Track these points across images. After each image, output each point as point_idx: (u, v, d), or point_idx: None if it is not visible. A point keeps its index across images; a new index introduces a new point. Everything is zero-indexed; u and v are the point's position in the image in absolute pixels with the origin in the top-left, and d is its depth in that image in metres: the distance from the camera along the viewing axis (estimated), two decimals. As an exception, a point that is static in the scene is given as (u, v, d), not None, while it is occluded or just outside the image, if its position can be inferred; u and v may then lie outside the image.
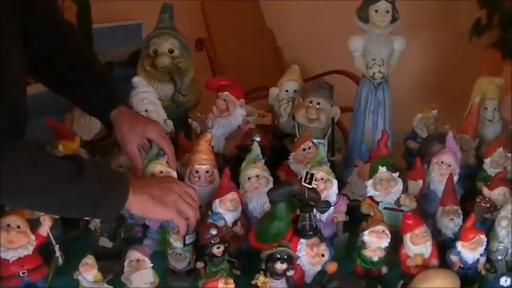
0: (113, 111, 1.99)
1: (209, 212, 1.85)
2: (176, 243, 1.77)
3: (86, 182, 1.63)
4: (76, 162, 1.65)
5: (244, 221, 1.87)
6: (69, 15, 3.15)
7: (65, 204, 1.65)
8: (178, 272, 1.80)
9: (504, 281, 1.73)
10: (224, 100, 2.16)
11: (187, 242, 1.77)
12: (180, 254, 1.78)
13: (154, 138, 1.94)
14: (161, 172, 1.88)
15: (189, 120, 2.19)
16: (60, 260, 1.78)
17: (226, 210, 1.83)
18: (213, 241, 1.71)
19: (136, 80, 2.17)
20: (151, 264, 1.72)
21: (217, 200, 1.83)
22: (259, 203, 1.88)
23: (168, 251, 1.80)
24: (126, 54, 2.88)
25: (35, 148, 1.67)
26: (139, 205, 1.71)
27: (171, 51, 2.29)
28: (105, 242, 1.83)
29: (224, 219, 1.83)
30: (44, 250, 1.76)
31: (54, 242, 1.75)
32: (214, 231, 1.71)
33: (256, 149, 1.93)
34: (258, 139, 1.97)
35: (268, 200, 1.76)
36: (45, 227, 1.73)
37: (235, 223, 1.84)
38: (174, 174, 1.90)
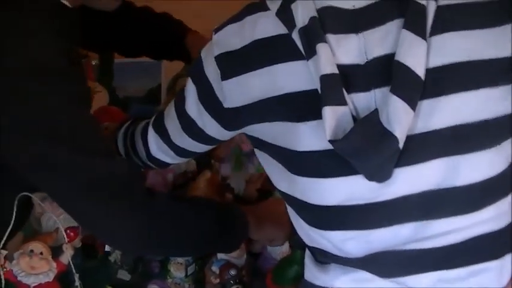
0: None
1: (213, 259, 1.87)
2: (176, 273, 1.79)
3: (223, 222, 1.69)
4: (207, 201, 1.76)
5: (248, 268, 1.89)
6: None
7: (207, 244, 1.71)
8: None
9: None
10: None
11: (188, 273, 1.80)
12: (179, 284, 1.81)
13: None
14: None
15: (212, 161, 2.21)
16: (80, 289, 1.80)
17: (231, 257, 1.85)
18: (232, 281, 1.73)
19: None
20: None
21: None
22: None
23: (167, 280, 1.82)
24: (144, 90, 2.91)
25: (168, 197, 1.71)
26: (257, 231, 1.77)
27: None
28: (124, 275, 1.86)
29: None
30: (62, 278, 1.78)
31: (74, 271, 1.77)
32: (233, 272, 1.74)
33: (277, 193, 1.95)
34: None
35: (289, 244, 1.79)
36: (67, 255, 1.74)
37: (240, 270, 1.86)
38: None
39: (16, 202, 1.63)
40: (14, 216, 1.63)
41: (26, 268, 1.70)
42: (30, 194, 1.68)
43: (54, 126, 1.46)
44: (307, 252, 1.44)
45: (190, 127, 1.53)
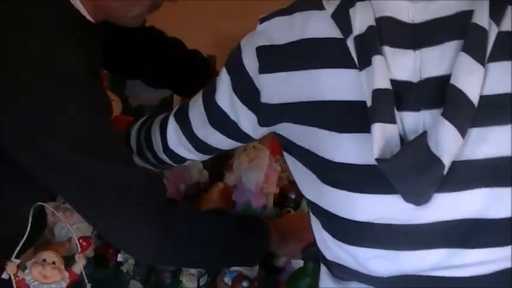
0: None
1: (225, 270, 1.87)
2: (189, 284, 1.79)
3: (245, 232, 1.71)
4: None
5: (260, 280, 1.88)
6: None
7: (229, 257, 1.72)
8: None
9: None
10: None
11: (200, 284, 1.81)
12: (192, 295, 1.81)
13: None
14: None
15: (225, 172, 2.20)
16: (92, 299, 1.80)
17: (243, 268, 1.84)
18: (244, 293, 1.73)
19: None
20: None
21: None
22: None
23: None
24: (157, 99, 2.91)
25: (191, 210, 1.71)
26: (280, 245, 1.78)
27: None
28: (136, 285, 1.86)
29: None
30: (74, 288, 1.79)
31: (86, 281, 1.77)
32: (246, 284, 1.74)
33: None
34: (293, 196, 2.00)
35: (302, 256, 1.79)
36: (80, 265, 1.74)
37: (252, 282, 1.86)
38: None
39: (31, 212, 1.63)
40: (29, 226, 1.63)
41: (39, 277, 1.70)
42: (43, 204, 1.68)
43: (54, 126, 1.44)
44: (323, 266, 1.42)
45: (219, 120, 1.49)
